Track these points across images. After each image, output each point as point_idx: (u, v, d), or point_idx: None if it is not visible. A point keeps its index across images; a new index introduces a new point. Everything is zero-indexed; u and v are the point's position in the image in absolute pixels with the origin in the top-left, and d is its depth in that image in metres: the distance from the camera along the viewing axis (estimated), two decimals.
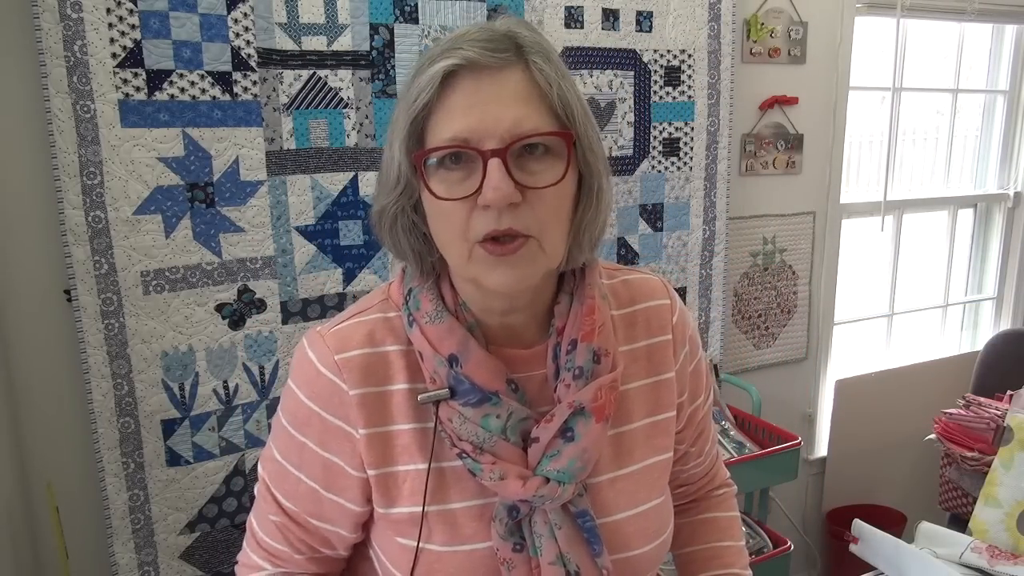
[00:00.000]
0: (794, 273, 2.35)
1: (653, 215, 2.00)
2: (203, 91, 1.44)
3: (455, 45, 0.69)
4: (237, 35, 1.45)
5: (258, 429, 1.59)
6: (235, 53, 1.45)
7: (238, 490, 1.58)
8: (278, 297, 1.57)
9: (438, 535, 0.76)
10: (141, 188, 1.41)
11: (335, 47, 1.54)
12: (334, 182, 1.59)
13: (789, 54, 2.19)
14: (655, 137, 1.95)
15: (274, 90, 1.50)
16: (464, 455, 0.75)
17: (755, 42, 2.12)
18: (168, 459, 1.49)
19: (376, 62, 1.59)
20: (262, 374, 1.58)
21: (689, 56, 1.96)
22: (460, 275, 0.76)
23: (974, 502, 1.52)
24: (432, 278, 0.79)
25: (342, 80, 1.56)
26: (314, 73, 1.53)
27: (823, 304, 2.43)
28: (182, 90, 1.42)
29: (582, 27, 1.81)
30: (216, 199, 1.48)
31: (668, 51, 1.93)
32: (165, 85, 1.40)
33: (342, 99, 1.57)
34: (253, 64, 1.47)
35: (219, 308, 1.51)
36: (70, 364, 1.43)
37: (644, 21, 1.88)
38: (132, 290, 1.42)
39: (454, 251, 0.72)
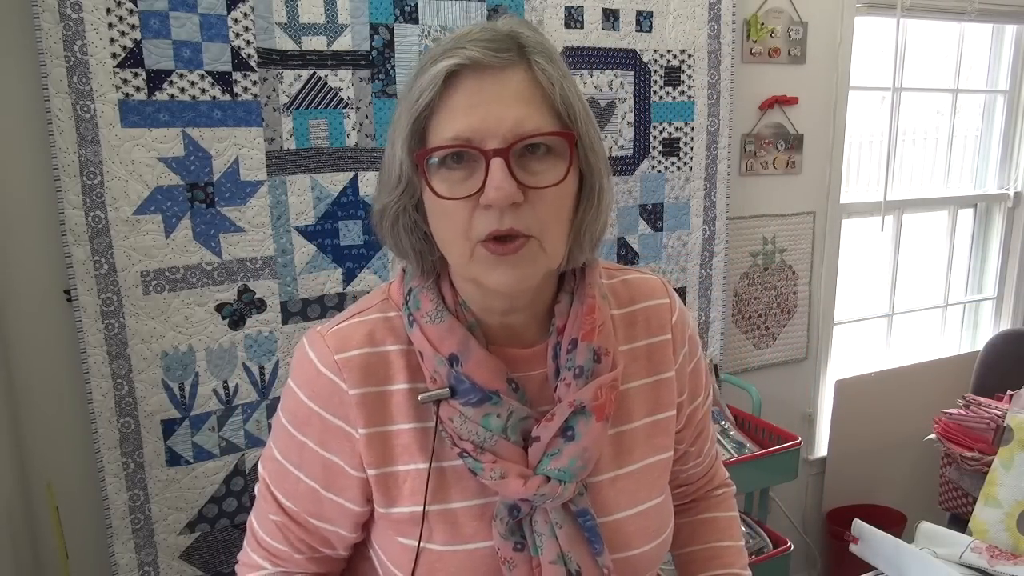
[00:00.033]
0: (794, 273, 2.35)
1: (653, 215, 2.00)
2: (203, 91, 1.44)
3: (458, 45, 0.69)
4: (237, 35, 1.45)
5: (258, 429, 1.59)
6: (235, 53, 1.45)
7: (238, 490, 1.58)
8: (278, 297, 1.57)
9: (439, 534, 0.76)
10: (141, 188, 1.41)
11: (335, 47, 1.54)
12: (334, 182, 1.59)
13: (789, 54, 2.19)
14: (655, 137, 1.95)
15: (274, 90, 1.50)
16: (465, 454, 0.75)
17: (755, 42, 2.12)
18: (168, 459, 1.49)
19: (376, 62, 1.59)
20: (262, 374, 1.58)
21: (689, 56, 1.96)
22: (461, 274, 0.76)
23: (974, 502, 1.52)
24: (432, 277, 0.79)
25: (342, 80, 1.56)
26: (314, 73, 1.53)
27: (823, 304, 2.43)
28: (182, 90, 1.42)
29: (582, 27, 1.81)
30: (216, 199, 1.48)
31: (668, 51, 1.93)
32: (165, 85, 1.40)
33: (342, 99, 1.57)
34: (253, 64, 1.47)
35: (219, 308, 1.51)
36: (70, 364, 1.43)
37: (644, 21, 1.88)
38: (132, 290, 1.42)
39: (455, 250, 0.72)
